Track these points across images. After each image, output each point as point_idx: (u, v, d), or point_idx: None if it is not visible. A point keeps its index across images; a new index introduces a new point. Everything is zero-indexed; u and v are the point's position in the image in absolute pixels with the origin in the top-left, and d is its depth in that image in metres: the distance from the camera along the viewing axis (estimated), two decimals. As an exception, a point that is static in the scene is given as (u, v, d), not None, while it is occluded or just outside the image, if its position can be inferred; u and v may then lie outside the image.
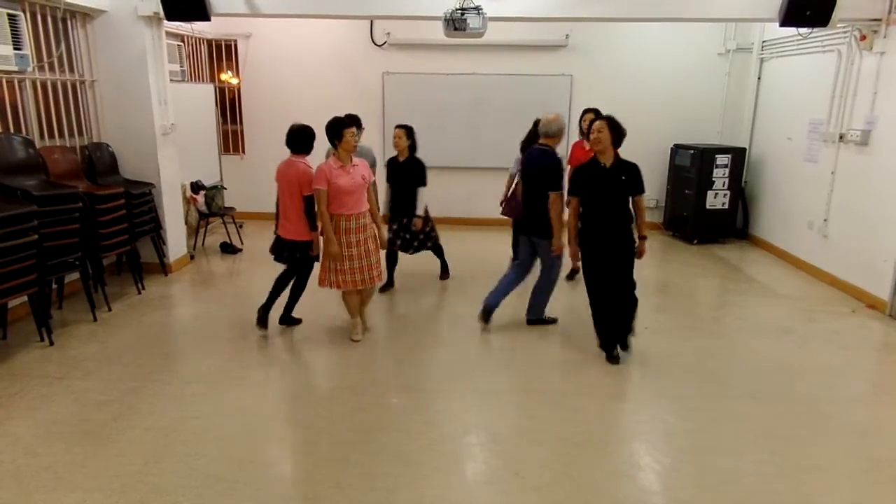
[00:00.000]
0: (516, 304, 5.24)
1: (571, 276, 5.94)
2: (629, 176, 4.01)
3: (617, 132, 3.90)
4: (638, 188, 4.08)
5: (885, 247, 5.21)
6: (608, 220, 4.01)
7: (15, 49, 4.50)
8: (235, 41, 8.05)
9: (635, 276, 4.12)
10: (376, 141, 7.59)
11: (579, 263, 4.29)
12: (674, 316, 5.17)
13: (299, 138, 4.34)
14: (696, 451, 3.16)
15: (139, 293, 5.38)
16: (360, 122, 4.92)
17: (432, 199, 8.17)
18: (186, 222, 6.52)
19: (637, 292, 4.14)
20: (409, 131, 5.31)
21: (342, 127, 4.13)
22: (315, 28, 7.79)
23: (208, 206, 6.84)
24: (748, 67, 7.72)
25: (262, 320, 4.53)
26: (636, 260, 4.10)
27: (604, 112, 4.48)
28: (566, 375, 3.99)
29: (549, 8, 5.37)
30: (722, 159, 7.33)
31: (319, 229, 4.31)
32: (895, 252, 5.10)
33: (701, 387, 3.86)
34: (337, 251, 4.13)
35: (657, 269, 6.78)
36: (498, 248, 7.04)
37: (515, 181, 5.53)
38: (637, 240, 4.08)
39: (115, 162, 5.60)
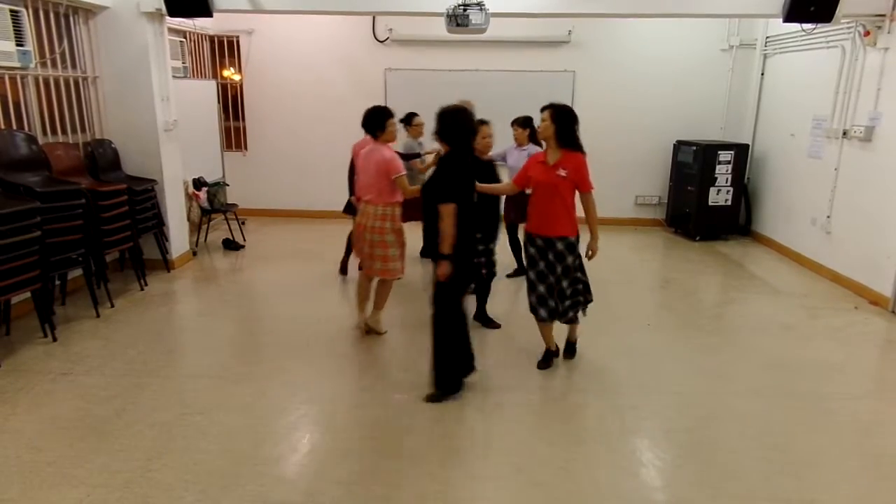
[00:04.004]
0: (515, 301, 5.24)
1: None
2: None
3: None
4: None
5: (889, 243, 5.19)
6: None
7: (17, 45, 4.50)
8: (238, 37, 8.04)
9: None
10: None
11: None
12: (676, 312, 5.17)
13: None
14: (698, 447, 3.16)
15: (142, 289, 5.39)
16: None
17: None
18: (189, 219, 6.53)
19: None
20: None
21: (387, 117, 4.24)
22: (317, 24, 7.77)
23: (211, 202, 6.85)
24: (751, 63, 7.69)
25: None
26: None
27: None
28: (567, 372, 3.99)
29: (551, 4, 5.35)
30: (725, 156, 7.31)
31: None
32: (898, 249, 5.10)
33: (703, 383, 3.86)
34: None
35: (659, 265, 6.78)
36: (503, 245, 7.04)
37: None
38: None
39: (117, 158, 5.61)
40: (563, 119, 3.59)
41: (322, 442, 3.16)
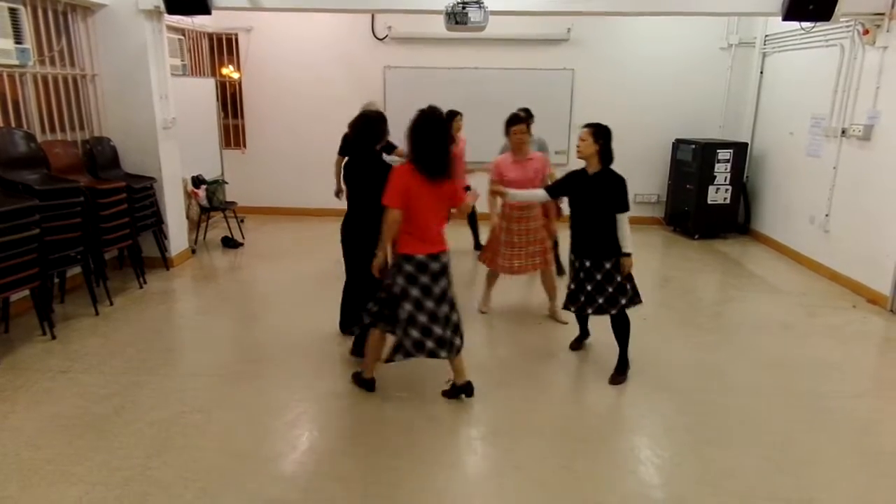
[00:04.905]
0: (512, 296, 5.25)
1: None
2: None
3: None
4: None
5: (887, 242, 5.20)
6: None
7: (16, 43, 4.49)
8: (236, 35, 8.03)
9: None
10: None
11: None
12: (674, 310, 5.17)
13: None
14: (697, 444, 3.16)
15: (141, 287, 5.39)
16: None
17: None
18: (188, 217, 6.53)
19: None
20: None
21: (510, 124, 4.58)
22: (316, 22, 7.77)
23: (209, 200, 6.84)
24: (750, 62, 7.69)
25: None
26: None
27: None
28: (567, 370, 4.00)
29: (550, 2, 5.35)
30: (723, 154, 7.31)
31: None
32: (897, 247, 5.10)
33: (701, 381, 3.87)
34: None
35: (658, 263, 6.78)
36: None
37: None
38: None
39: (116, 156, 5.60)
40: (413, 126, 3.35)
41: (320, 440, 3.17)
